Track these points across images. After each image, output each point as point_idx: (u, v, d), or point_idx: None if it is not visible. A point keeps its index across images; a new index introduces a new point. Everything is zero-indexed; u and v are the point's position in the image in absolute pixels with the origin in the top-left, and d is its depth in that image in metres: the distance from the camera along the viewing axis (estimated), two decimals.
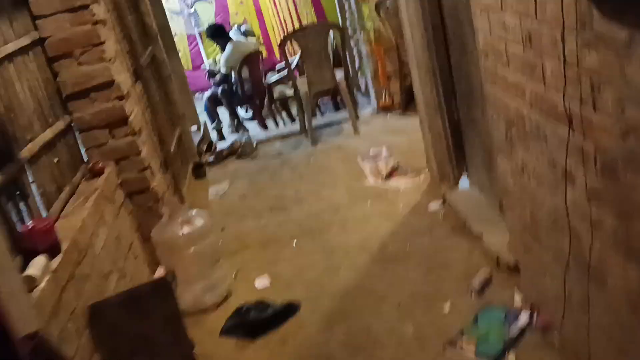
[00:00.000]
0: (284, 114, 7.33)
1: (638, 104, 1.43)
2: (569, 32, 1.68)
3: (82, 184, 3.11)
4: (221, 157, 5.51)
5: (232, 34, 7.55)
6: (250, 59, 6.73)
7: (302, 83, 5.52)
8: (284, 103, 7.25)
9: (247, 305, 2.95)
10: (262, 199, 4.48)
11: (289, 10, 9.45)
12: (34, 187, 2.68)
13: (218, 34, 6.97)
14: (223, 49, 6.80)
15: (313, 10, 9.32)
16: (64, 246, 2.41)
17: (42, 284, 2.10)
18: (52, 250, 2.33)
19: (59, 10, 3.17)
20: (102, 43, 3.25)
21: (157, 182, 3.65)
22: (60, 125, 3.12)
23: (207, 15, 9.58)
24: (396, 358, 2.48)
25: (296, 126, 6.03)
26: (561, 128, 1.87)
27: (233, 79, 6.80)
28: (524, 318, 2.41)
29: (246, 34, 8.01)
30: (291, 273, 3.31)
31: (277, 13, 9.57)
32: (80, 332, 2.32)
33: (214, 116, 7.02)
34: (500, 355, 2.31)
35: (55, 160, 2.96)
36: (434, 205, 3.64)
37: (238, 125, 6.98)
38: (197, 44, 9.77)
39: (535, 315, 2.42)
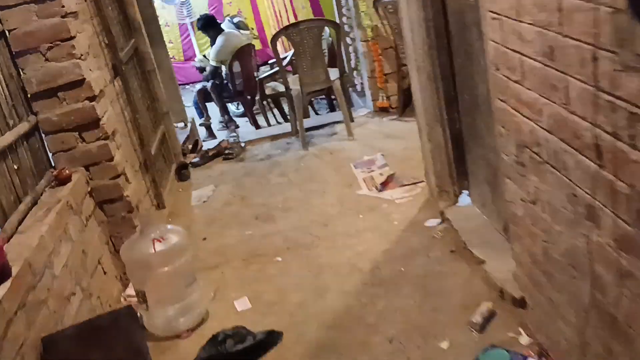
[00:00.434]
0: (275, 111, 7.05)
1: None
2: (603, 51, 1.40)
3: (46, 193, 2.83)
4: (207, 157, 5.21)
5: (225, 25, 7.24)
6: (242, 53, 6.43)
7: (294, 81, 5.23)
8: (276, 100, 6.96)
9: (224, 332, 2.67)
10: (248, 206, 4.20)
11: (284, 3, 9.15)
12: None
13: (209, 25, 6.67)
14: (214, 41, 6.50)
15: (309, 4, 9.02)
16: (15, 270, 2.13)
17: None
18: (0, 275, 2.05)
19: (25, 0, 2.88)
20: (72, 37, 2.96)
21: (132, 190, 3.37)
22: (23, 127, 2.83)
23: (200, 5, 9.26)
24: None
25: (287, 126, 5.73)
26: (587, 160, 1.60)
27: (224, 73, 6.51)
28: None
29: (239, 26, 7.69)
30: (274, 294, 3.04)
31: (272, 5, 9.26)
32: None
33: (203, 111, 6.73)
34: None
35: (15, 166, 2.67)
36: (432, 222, 3.37)
37: (228, 121, 6.69)
38: (189, 34, 9.45)
39: None
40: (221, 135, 6.17)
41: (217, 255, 3.57)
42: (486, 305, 2.52)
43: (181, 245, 2.82)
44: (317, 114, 6.73)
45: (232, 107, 7.24)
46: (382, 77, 5.40)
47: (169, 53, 6.40)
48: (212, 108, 6.76)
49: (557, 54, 1.65)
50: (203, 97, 6.73)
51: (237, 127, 6.37)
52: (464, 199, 3.35)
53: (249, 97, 6.68)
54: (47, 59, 2.94)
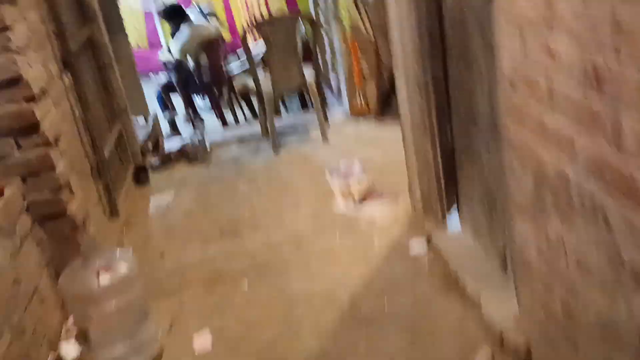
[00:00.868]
0: (244, 107, 6.63)
1: None
2: None
3: None
4: (168, 160, 4.78)
5: (191, 13, 6.75)
6: (210, 45, 5.98)
7: (265, 79, 4.83)
8: (245, 96, 6.54)
9: None
10: (212, 218, 3.80)
11: None
12: None
13: (175, 14, 6.19)
14: (174, 32, 6.02)
15: None
16: None
17: None
18: None
19: None
20: (7, 28, 2.51)
21: (78, 203, 2.94)
22: None
23: None
24: None
25: (257, 127, 5.32)
26: (638, 214, 1.27)
27: (190, 65, 6.05)
28: None
29: (207, 15, 7.22)
30: (240, 330, 2.67)
31: None
32: None
33: (167, 105, 6.27)
34: None
35: None
36: (417, 246, 3.04)
37: (194, 115, 6.25)
38: (154, 21, 8.91)
39: None
40: (186, 129, 5.73)
41: (175, 276, 3.18)
42: (484, 355, 2.20)
43: (130, 276, 2.42)
44: (287, 110, 6.33)
45: (198, 100, 6.78)
46: (361, 77, 5.04)
47: (132, 41, 5.92)
48: (178, 100, 6.30)
49: (606, 79, 1.31)
50: (167, 90, 6.27)
51: (202, 121, 5.95)
52: (453, 220, 3.03)
53: (216, 91, 6.24)
54: None
